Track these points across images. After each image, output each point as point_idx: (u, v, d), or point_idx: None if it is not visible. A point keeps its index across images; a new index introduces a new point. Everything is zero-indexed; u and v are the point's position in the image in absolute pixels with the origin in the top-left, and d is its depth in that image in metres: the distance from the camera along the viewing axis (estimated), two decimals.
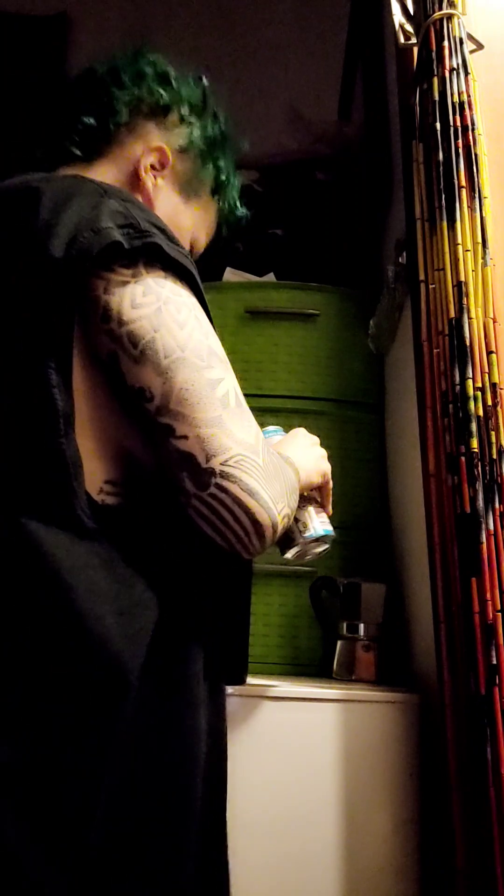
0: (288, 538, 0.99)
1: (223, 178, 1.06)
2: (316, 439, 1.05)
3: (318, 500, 1.05)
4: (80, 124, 0.99)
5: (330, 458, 1.07)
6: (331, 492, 1.06)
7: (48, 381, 0.73)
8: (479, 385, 1.11)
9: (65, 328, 0.75)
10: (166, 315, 0.78)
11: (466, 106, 1.24)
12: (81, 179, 0.86)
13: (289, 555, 1.02)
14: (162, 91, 1.00)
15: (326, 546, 1.04)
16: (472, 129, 1.23)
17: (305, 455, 1.00)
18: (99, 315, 0.77)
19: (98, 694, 0.71)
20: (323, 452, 1.05)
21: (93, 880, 0.70)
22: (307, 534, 0.99)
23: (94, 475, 0.78)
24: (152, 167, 0.99)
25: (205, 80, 1.07)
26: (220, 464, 0.76)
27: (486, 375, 1.11)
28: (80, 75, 1.03)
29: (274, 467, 0.81)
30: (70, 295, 0.75)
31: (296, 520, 0.98)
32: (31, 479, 0.74)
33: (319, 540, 1.00)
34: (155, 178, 0.99)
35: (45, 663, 0.70)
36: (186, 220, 1.03)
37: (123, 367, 0.78)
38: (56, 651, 0.70)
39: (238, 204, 1.10)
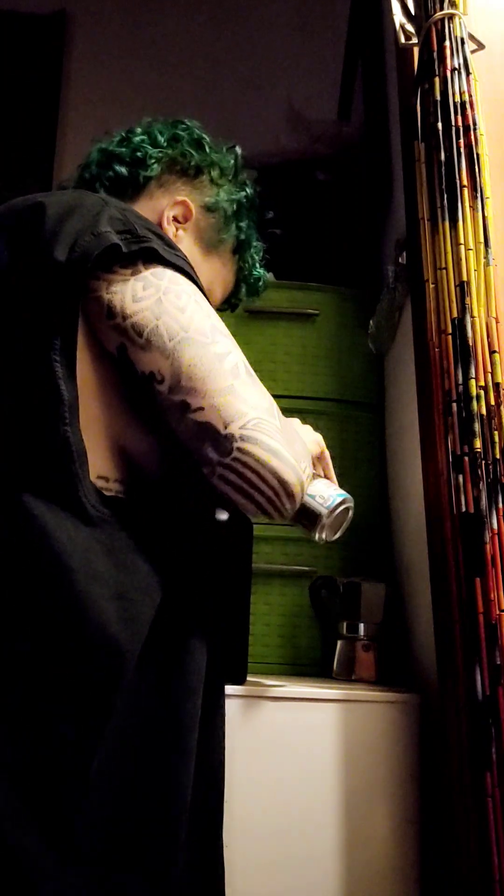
0: (313, 515, 0.96)
1: (244, 238, 1.10)
2: (296, 419, 1.06)
3: (319, 472, 1.05)
4: (112, 172, 1.04)
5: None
6: (330, 461, 1.05)
7: (54, 372, 0.76)
8: (483, 384, 1.11)
9: (70, 324, 0.78)
10: (167, 303, 0.81)
11: (468, 106, 1.24)
12: (84, 193, 0.90)
13: (321, 532, 0.98)
14: (194, 153, 1.06)
15: (351, 510, 1.01)
16: (474, 129, 1.23)
17: (297, 429, 1.01)
18: (104, 313, 0.80)
19: (93, 675, 0.72)
20: (309, 427, 1.06)
21: (84, 868, 0.71)
22: (329, 503, 0.96)
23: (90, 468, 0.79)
24: (175, 219, 1.04)
25: (238, 150, 1.13)
26: (239, 428, 0.77)
27: (490, 375, 1.11)
28: (120, 133, 1.09)
29: (289, 431, 0.83)
30: (73, 293, 0.79)
31: (311, 496, 0.96)
32: (37, 465, 0.76)
33: (342, 504, 0.98)
34: (177, 229, 1.04)
35: (42, 643, 0.71)
36: (204, 272, 1.07)
37: (132, 356, 0.80)
38: (54, 631, 0.72)
39: (257, 266, 1.15)
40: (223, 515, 1.09)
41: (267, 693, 1.18)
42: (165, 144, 1.05)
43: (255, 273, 1.14)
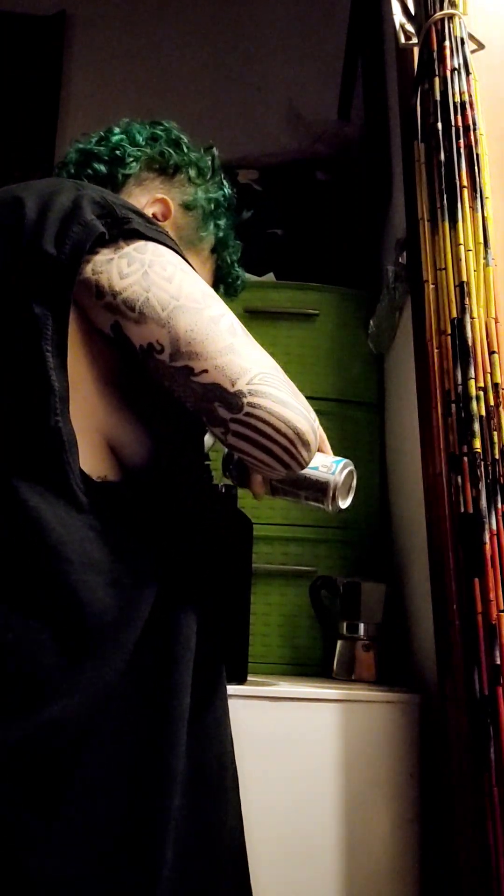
0: (322, 485, 0.96)
1: (222, 237, 1.11)
2: None
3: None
4: (90, 170, 1.05)
5: None
6: (324, 434, 1.04)
7: (46, 363, 0.77)
8: (482, 385, 1.11)
9: (61, 314, 0.79)
10: (153, 275, 0.82)
11: (468, 106, 1.24)
12: (59, 179, 0.92)
13: (334, 501, 0.98)
14: (172, 152, 1.07)
15: (355, 472, 1.01)
16: (474, 129, 1.23)
17: None
18: (93, 294, 0.82)
19: (88, 659, 0.73)
20: None
21: (74, 848, 0.71)
22: (333, 470, 0.96)
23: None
24: (154, 216, 1.04)
25: (214, 150, 1.13)
26: (246, 384, 0.79)
27: (489, 375, 1.12)
28: (98, 133, 1.08)
29: (293, 386, 0.84)
30: (66, 284, 0.80)
31: (314, 468, 0.97)
32: (29, 455, 0.77)
33: (346, 468, 0.97)
34: None
35: (39, 630, 0.72)
36: None
37: (128, 331, 0.81)
38: (50, 619, 0.72)
39: (235, 266, 1.15)
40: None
41: (267, 693, 1.18)
42: (144, 143, 1.06)
43: (233, 272, 1.15)
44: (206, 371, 0.79)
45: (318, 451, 1.01)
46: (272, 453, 0.80)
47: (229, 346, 0.80)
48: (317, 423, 0.83)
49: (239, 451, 0.82)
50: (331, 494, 0.96)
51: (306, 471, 0.95)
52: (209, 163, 1.11)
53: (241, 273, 1.17)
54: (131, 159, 1.04)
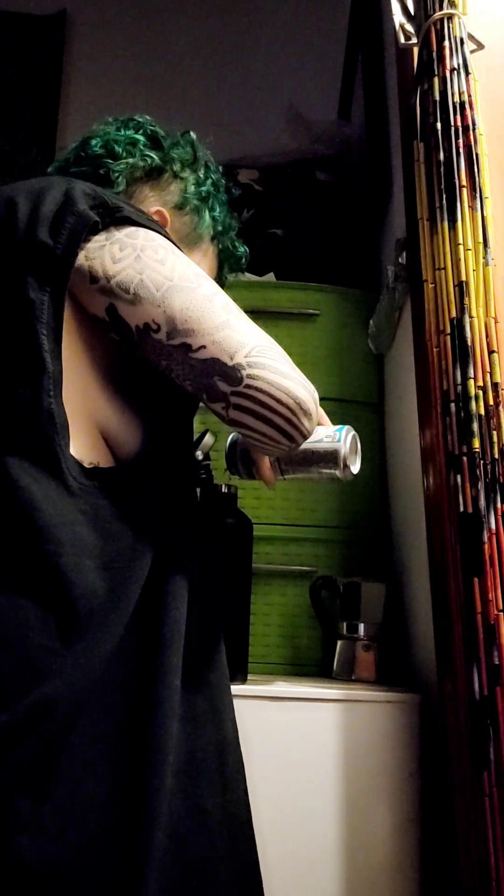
0: (332, 453, 0.97)
1: (220, 227, 1.11)
2: None
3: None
4: None
5: None
6: (323, 411, 1.05)
7: (41, 345, 0.78)
8: (481, 384, 1.11)
9: (57, 301, 0.81)
10: (146, 258, 0.84)
11: (467, 106, 1.24)
12: (48, 177, 0.93)
13: (346, 467, 0.99)
14: (153, 155, 1.06)
15: (357, 436, 1.02)
16: (473, 129, 1.23)
17: None
18: (87, 280, 0.83)
19: (77, 641, 0.73)
20: None
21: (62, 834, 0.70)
22: (338, 438, 0.98)
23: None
24: None
25: (192, 134, 1.12)
26: (245, 356, 0.80)
27: (488, 375, 1.11)
28: (75, 150, 1.06)
29: (290, 360, 0.85)
30: (63, 274, 0.81)
31: (319, 441, 0.97)
32: (21, 436, 0.77)
33: (349, 433, 0.99)
34: None
35: (29, 611, 0.72)
36: None
37: (123, 313, 0.83)
38: (40, 601, 0.73)
39: (237, 245, 1.15)
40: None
41: (267, 693, 1.18)
42: (124, 154, 1.04)
43: (236, 253, 1.15)
44: (203, 347, 0.81)
45: (318, 424, 1.02)
46: (274, 424, 0.81)
47: (225, 322, 0.82)
48: (316, 394, 0.84)
49: (241, 425, 0.82)
50: (341, 462, 0.97)
51: (312, 444, 0.96)
52: (189, 149, 1.09)
53: (245, 251, 1.17)
54: (116, 175, 1.03)
